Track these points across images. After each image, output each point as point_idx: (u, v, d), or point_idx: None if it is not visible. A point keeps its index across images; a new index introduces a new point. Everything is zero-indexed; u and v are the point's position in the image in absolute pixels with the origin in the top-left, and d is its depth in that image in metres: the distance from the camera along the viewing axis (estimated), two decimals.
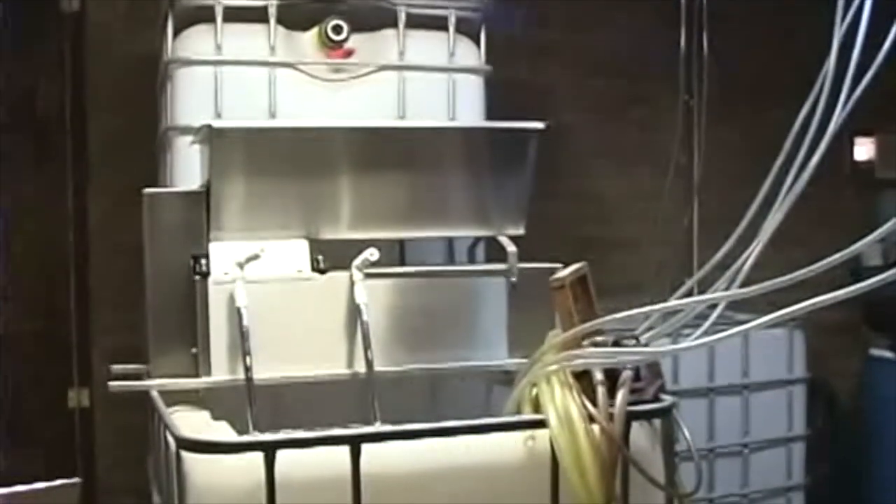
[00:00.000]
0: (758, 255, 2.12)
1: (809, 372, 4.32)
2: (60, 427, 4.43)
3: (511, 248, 2.72)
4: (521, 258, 2.73)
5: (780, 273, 1.81)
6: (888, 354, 5.07)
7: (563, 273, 2.16)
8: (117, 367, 2.61)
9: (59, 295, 4.38)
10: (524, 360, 2.25)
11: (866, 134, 5.37)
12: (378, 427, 2.18)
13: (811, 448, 4.36)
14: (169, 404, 2.34)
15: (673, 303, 2.09)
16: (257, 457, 1.83)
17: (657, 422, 2.20)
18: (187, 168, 2.85)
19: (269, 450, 1.83)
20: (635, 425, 2.05)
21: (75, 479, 4.16)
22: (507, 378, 2.47)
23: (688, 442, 2.19)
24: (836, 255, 1.76)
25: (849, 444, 5.06)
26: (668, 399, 2.13)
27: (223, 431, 2.19)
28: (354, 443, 1.86)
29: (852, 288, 1.69)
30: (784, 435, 4.25)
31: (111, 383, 2.50)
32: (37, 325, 4.44)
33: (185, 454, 1.96)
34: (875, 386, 5.15)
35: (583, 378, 2.05)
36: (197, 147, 2.69)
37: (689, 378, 3.97)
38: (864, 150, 5.43)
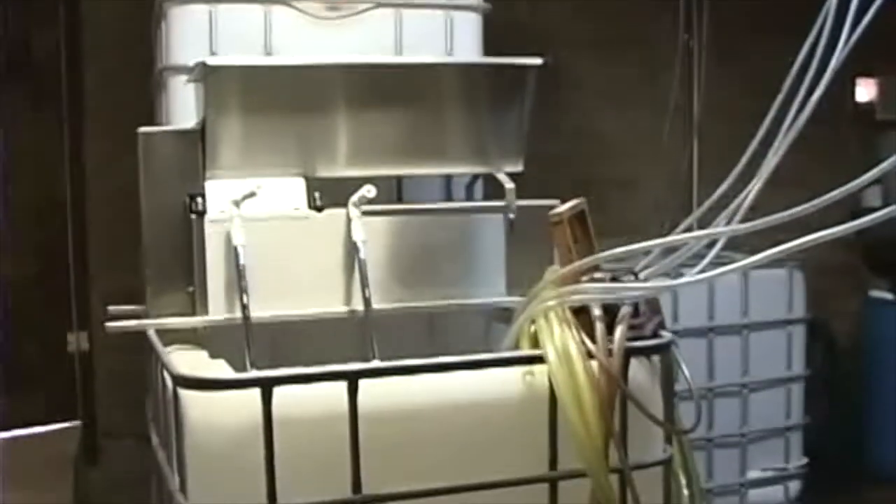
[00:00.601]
0: (757, 194, 2.11)
1: (809, 312, 4.31)
2: (60, 371, 4.44)
3: (509, 184, 2.70)
4: (520, 198, 2.72)
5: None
6: (888, 296, 5.08)
7: (562, 208, 2.15)
8: (114, 308, 2.60)
9: (57, 238, 4.37)
10: (522, 298, 2.23)
11: (868, 75, 5.34)
12: (375, 363, 2.17)
13: (810, 388, 4.36)
14: (166, 344, 2.33)
15: (673, 237, 2.08)
16: (254, 394, 1.82)
17: (656, 358, 2.18)
18: (183, 108, 2.83)
19: (267, 386, 1.81)
20: (634, 361, 2.04)
21: (75, 423, 4.18)
22: (506, 315, 2.46)
23: (686, 378, 2.18)
24: (835, 192, 1.75)
25: (847, 385, 5.08)
26: (666, 335, 2.12)
27: (220, 369, 2.19)
28: (352, 379, 1.85)
29: (849, 224, 1.69)
30: (783, 375, 4.25)
31: (108, 324, 2.50)
32: (34, 269, 4.43)
33: (182, 392, 1.94)
34: (874, 327, 5.17)
35: (581, 314, 2.04)
36: (192, 86, 2.66)
37: (688, 317, 3.97)
38: (865, 91, 5.41)
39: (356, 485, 1.86)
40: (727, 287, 4.07)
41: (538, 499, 1.99)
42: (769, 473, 4.23)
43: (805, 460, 4.31)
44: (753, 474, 4.21)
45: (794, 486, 4.30)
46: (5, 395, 4.13)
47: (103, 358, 4.34)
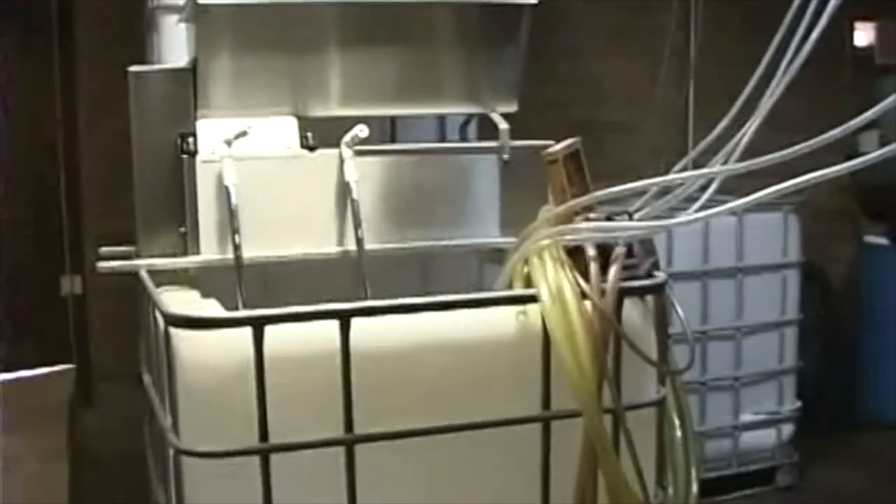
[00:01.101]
0: (753, 135, 2.09)
1: (804, 257, 4.31)
2: (54, 315, 4.44)
3: (503, 125, 2.68)
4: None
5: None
6: (883, 241, 5.08)
7: (557, 147, 2.13)
8: (106, 249, 2.58)
9: (50, 182, 4.36)
10: (516, 239, 2.22)
11: (866, 19, 5.31)
12: (368, 302, 2.16)
13: (804, 332, 4.37)
14: (158, 285, 2.31)
15: (670, 176, 2.05)
16: (246, 333, 1.80)
17: (650, 299, 2.17)
18: (174, 47, 2.80)
19: (258, 325, 1.80)
20: (628, 302, 2.03)
21: (70, 366, 4.17)
22: (499, 257, 2.44)
23: (680, 318, 2.17)
24: (830, 133, 1.73)
25: (841, 330, 5.09)
26: (661, 275, 2.11)
27: (212, 308, 2.18)
28: (344, 317, 1.83)
29: (844, 165, 1.67)
30: (777, 319, 4.26)
31: (99, 264, 2.48)
32: (26, 213, 4.42)
33: (173, 331, 1.93)
34: (869, 272, 5.18)
35: (575, 254, 2.03)
36: (183, 25, 2.63)
37: (682, 261, 3.96)
38: (864, 35, 5.38)
39: (348, 424, 1.85)
40: (722, 231, 4.07)
41: (531, 439, 1.98)
42: (762, 416, 4.25)
43: (798, 404, 4.33)
44: (746, 417, 4.23)
45: (787, 430, 4.33)
46: (0, 339, 4.14)
47: (97, 302, 4.34)
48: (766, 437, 4.29)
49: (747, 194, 1.81)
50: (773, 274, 4.23)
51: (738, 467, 4.26)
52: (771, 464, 4.32)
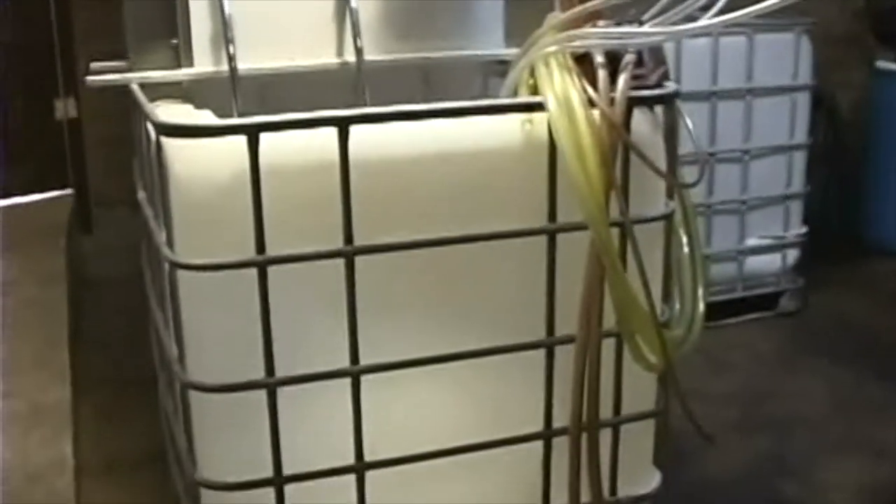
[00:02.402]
0: None
1: (814, 81, 4.22)
2: (49, 139, 4.38)
3: None
4: None
5: None
6: (894, 67, 4.98)
7: None
8: (96, 65, 2.49)
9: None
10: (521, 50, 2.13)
11: None
12: (367, 108, 2.08)
13: (812, 158, 4.31)
14: (151, 100, 2.23)
15: None
16: (241, 142, 1.73)
17: (659, 111, 2.09)
18: None
19: (253, 133, 1.73)
20: (637, 113, 1.95)
21: (67, 191, 4.14)
22: (503, 70, 2.35)
23: (689, 130, 2.11)
24: None
25: (849, 156, 5.04)
26: (671, 86, 2.03)
27: (205, 118, 2.11)
28: (342, 125, 1.76)
29: None
30: (786, 143, 4.19)
31: (88, 77, 2.40)
32: (15, 35, 4.32)
33: (166, 143, 1.86)
34: (880, 98, 5.10)
35: (583, 62, 1.95)
36: None
37: (690, 81, 3.87)
38: None
39: (347, 236, 1.80)
40: (731, 51, 3.97)
41: (536, 251, 1.94)
42: (768, 241, 4.22)
43: (804, 229, 4.29)
44: (752, 242, 4.20)
45: (793, 255, 4.30)
46: None
47: (93, 125, 4.27)
48: (771, 262, 4.26)
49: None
50: (782, 97, 4.14)
51: (743, 292, 4.24)
52: (776, 289, 4.31)
